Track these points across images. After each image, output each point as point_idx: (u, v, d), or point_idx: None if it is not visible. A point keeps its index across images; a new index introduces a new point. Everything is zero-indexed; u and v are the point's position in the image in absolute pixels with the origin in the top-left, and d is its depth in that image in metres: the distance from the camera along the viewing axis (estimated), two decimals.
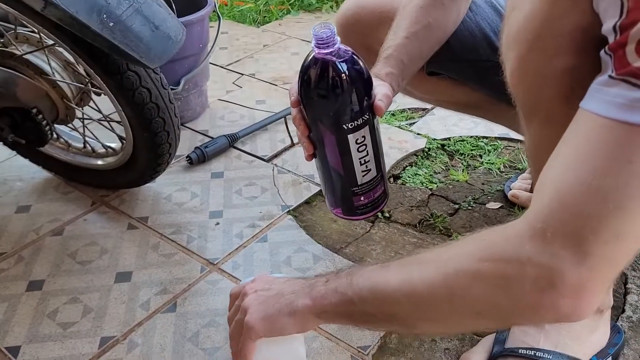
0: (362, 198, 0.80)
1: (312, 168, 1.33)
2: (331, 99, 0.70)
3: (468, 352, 0.85)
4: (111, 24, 0.88)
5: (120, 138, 1.17)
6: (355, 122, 0.72)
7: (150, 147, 1.11)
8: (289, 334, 0.67)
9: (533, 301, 0.50)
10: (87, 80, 1.10)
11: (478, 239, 0.56)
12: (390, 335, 0.91)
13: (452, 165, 1.35)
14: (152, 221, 1.18)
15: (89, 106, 1.17)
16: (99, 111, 1.17)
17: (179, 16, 1.07)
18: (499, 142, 1.41)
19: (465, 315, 0.56)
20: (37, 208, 1.23)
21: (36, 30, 1.04)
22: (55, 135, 1.23)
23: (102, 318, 0.96)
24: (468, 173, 1.31)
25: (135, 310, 0.97)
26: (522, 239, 0.51)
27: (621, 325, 0.91)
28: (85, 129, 1.21)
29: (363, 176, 0.78)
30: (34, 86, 1.06)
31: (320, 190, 1.25)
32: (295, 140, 1.43)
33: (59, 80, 1.08)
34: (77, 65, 1.10)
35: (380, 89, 0.75)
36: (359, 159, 0.76)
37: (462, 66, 0.99)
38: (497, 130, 1.44)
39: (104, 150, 1.25)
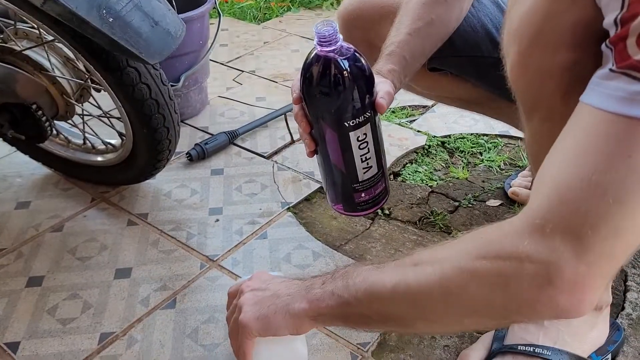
0: (362, 194, 0.80)
1: (312, 165, 1.33)
2: (333, 96, 0.70)
3: (467, 349, 0.85)
4: (111, 20, 0.88)
5: (120, 134, 1.17)
6: (357, 119, 0.72)
7: (150, 143, 1.11)
8: (283, 334, 0.67)
9: (531, 298, 0.50)
10: (86, 77, 1.10)
11: (475, 237, 0.55)
12: (390, 332, 0.91)
13: (452, 163, 1.34)
14: (152, 218, 1.18)
15: (89, 102, 1.17)
16: (99, 107, 1.17)
17: (179, 12, 1.07)
18: (499, 139, 1.41)
19: (462, 313, 0.56)
20: (37, 204, 1.23)
21: (36, 26, 1.03)
22: (55, 132, 1.23)
23: (102, 314, 0.96)
24: (468, 170, 1.31)
25: (134, 307, 0.97)
26: (520, 235, 0.50)
27: (621, 322, 0.91)
28: (85, 125, 1.21)
29: (364, 173, 0.78)
30: (34, 82, 1.05)
31: (321, 187, 1.25)
32: (296, 137, 1.43)
33: (58, 76, 1.07)
34: (76, 61, 1.10)
35: (382, 86, 0.75)
36: (360, 156, 0.76)
37: (464, 62, 0.99)
38: (498, 127, 1.43)
39: (103, 146, 1.25)
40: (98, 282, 1.02)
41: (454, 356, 0.87)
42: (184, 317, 0.95)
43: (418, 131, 1.46)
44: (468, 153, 1.37)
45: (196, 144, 1.37)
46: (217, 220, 1.17)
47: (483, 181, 1.27)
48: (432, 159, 1.36)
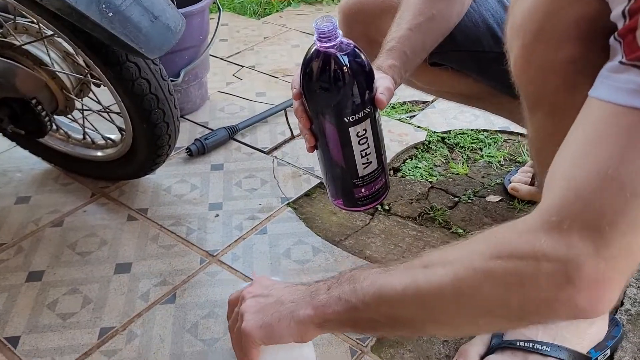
0: (363, 190, 0.80)
1: (312, 160, 1.33)
2: (333, 92, 0.70)
3: (466, 344, 0.86)
4: (110, 14, 0.88)
5: (120, 129, 1.17)
6: (357, 115, 0.72)
7: (149, 138, 1.10)
8: (288, 342, 0.65)
9: (548, 297, 0.48)
10: (86, 71, 1.10)
11: (487, 237, 0.54)
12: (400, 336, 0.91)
13: (452, 158, 1.34)
14: (152, 213, 1.18)
15: (89, 97, 1.17)
16: (99, 102, 1.17)
17: (178, 7, 1.07)
18: (500, 135, 1.41)
19: (475, 315, 0.54)
20: (37, 199, 1.23)
21: (35, 21, 1.03)
22: (54, 127, 1.23)
23: (102, 309, 0.96)
24: (468, 166, 1.31)
25: (134, 301, 0.97)
26: (535, 234, 0.49)
27: (620, 318, 0.91)
28: (85, 120, 1.21)
29: (364, 168, 0.78)
30: (33, 77, 1.05)
31: (320, 183, 1.25)
32: (295, 132, 1.43)
33: (58, 71, 1.07)
34: (76, 56, 1.10)
35: (382, 82, 0.75)
36: (360, 151, 0.76)
37: (465, 57, 0.99)
38: (498, 123, 1.43)
39: (103, 141, 1.25)
40: (98, 277, 1.03)
41: (453, 351, 0.87)
42: (183, 312, 0.95)
43: (418, 127, 1.46)
44: (468, 149, 1.37)
45: (196, 139, 1.37)
46: (217, 215, 1.17)
47: (483, 177, 1.27)
48: (432, 154, 1.36)
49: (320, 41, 0.68)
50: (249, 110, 1.57)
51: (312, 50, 0.70)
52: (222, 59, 1.89)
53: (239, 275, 1.02)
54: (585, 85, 0.51)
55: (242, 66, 1.84)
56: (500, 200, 1.19)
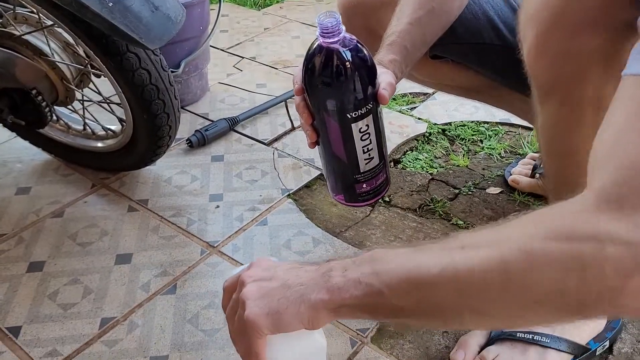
0: (364, 185, 0.80)
1: (312, 152, 1.33)
2: (336, 88, 0.70)
3: (466, 335, 0.86)
4: (110, 4, 0.87)
5: (120, 120, 1.17)
6: (359, 110, 0.72)
7: (150, 129, 1.10)
8: (297, 330, 0.58)
9: (615, 286, 0.42)
10: (86, 62, 1.10)
11: (535, 218, 0.48)
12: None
13: (453, 150, 1.34)
14: (152, 204, 1.18)
15: (89, 88, 1.17)
16: (99, 93, 1.16)
17: None
18: (500, 127, 1.41)
19: (523, 304, 0.47)
20: (37, 190, 1.23)
21: (35, 11, 1.03)
22: (54, 117, 1.23)
23: (103, 299, 0.96)
24: (469, 158, 1.31)
25: (135, 292, 0.98)
26: (595, 213, 0.43)
27: None
28: (85, 111, 1.21)
29: (366, 164, 0.78)
30: (33, 67, 1.05)
31: (321, 174, 1.25)
32: (296, 124, 1.43)
33: (58, 62, 1.07)
34: (76, 47, 1.09)
35: (384, 77, 0.75)
36: (362, 147, 0.76)
37: (466, 49, 0.99)
38: (498, 115, 1.43)
39: (104, 132, 1.25)
40: (99, 268, 1.03)
41: (453, 342, 0.88)
42: (184, 302, 0.96)
43: (419, 118, 1.46)
44: (469, 141, 1.37)
45: (196, 131, 1.36)
46: (218, 206, 1.17)
47: (483, 169, 1.27)
48: (433, 146, 1.36)
49: (323, 37, 0.68)
50: (249, 101, 1.56)
51: (315, 45, 0.70)
52: (223, 50, 1.88)
53: (240, 266, 1.02)
54: (599, 74, 0.50)
55: (243, 57, 1.83)
56: (500, 192, 1.19)
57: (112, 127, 1.24)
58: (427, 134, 1.39)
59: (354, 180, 0.80)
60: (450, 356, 0.84)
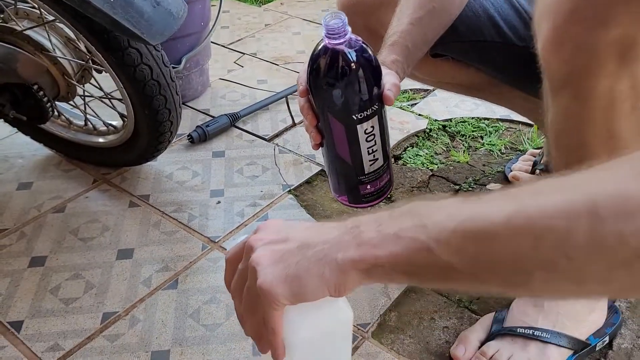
0: (368, 186, 0.80)
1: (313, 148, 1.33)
2: (342, 89, 0.70)
3: (467, 330, 0.86)
4: None
5: (122, 116, 1.17)
6: (365, 112, 0.72)
7: (151, 125, 1.10)
8: (319, 297, 0.47)
9: None
10: (88, 57, 1.10)
11: (628, 159, 0.39)
12: (390, 312, 0.92)
13: (453, 146, 1.34)
14: (154, 199, 1.19)
15: (90, 83, 1.17)
16: (100, 88, 1.16)
17: None
18: (501, 123, 1.41)
19: (618, 261, 0.36)
20: (39, 185, 1.23)
21: (36, 6, 1.03)
22: (56, 113, 1.23)
23: (104, 294, 0.97)
24: (469, 154, 1.31)
25: (137, 287, 0.98)
26: None
27: (619, 305, 0.92)
28: (87, 106, 1.21)
29: (370, 165, 0.78)
30: (35, 62, 1.05)
31: (322, 170, 1.26)
32: (297, 120, 1.43)
33: (59, 57, 1.07)
34: (78, 42, 1.09)
35: (388, 78, 0.75)
36: (367, 148, 0.76)
37: (467, 47, 0.99)
38: (499, 111, 1.43)
39: (105, 128, 1.25)
40: (100, 263, 1.03)
41: (453, 337, 0.88)
42: (185, 297, 0.96)
43: (419, 115, 1.46)
44: (469, 137, 1.37)
45: (197, 126, 1.37)
46: (219, 202, 1.18)
47: (484, 165, 1.27)
48: (433, 142, 1.36)
49: (329, 38, 0.67)
50: (250, 97, 1.56)
51: (320, 46, 0.69)
52: (224, 46, 1.88)
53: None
54: (614, 69, 0.49)
55: (244, 53, 1.83)
56: (501, 189, 1.19)
57: (114, 123, 1.24)
58: (428, 130, 1.39)
59: (358, 182, 0.80)
60: (451, 351, 0.85)
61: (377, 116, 0.74)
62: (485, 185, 1.20)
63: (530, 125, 1.38)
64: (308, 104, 0.74)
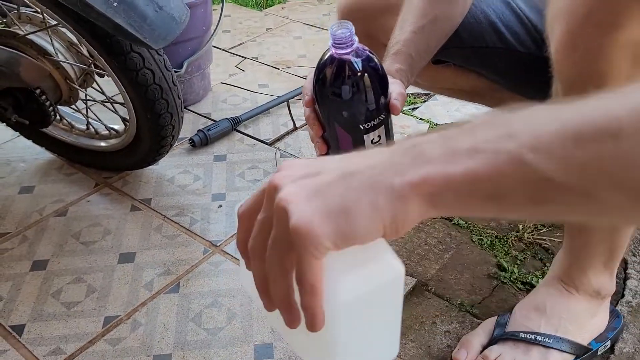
0: None
1: (313, 151, 1.33)
2: (349, 99, 0.70)
3: (469, 334, 0.86)
4: (115, 4, 0.88)
5: (124, 120, 1.17)
6: (372, 122, 0.72)
7: (153, 129, 1.11)
8: (372, 239, 0.37)
9: None
10: (90, 61, 1.10)
11: None
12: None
13: None
14: (155, 203, 1.19)
15: (92, 88, 1.17)
16: (102, 93, 1.17)
17: None
18: None
19: None
20: (41, 189, 1.24)
21: (39, 10, 1.03)
22: (58, 117, 1.23)
23: (106, 298, 0.97)
24: None
25: (138, 291, 0.98)
26: None
27: (620, 309, 0.92)
28: (89, 110, 1.21)
29: None
30: (37, 66, 1.05)
31: None
32: (298, 124, 1.43)
33: (62, 61, 1.07)
34: (80, 46, 1.10)
35: (394, 87, 0.75)
36: None
37: (468, 53, 0.99)
38: None
39: (107, 132, 1.25)
40: (102, 267, 1.03)
41: (455, 341, 0.88)
42: (187, 301, 0.96)
43: (420, 119, 1.46)
44: None
45: (199, 130, 1.37)
46: (220, 206, 1.18)
47: None
48: None
49: (336, 47, 0.67)
50: (251, 101, 1.57)
51: (327, 56, 0.69)
52: (225, 50, 1.89)
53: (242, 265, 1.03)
54: (627, 72, 0.49)
55: (245, 57, 1.84)
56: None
57: (116, 127, 1.24)
58: None
59: None
60: (453, 355, 0.85)
61: (383, 125, 0.74)
62: None
63: None
64: (314, 113, 0.74)
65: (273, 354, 0.87)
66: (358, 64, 0.68)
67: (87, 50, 1.06)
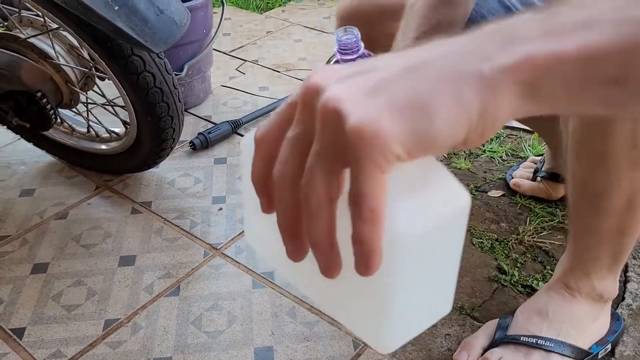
0: None
1: None
2: None
3: (470, 337, 0.86)
4: (116, 8, 0.88)
5: (124, 123, 1.17)
6: None
7: (154, 132, 1.11)
8: (451, 144, 0.28)
9: None
10: (91, 65, 1.10)
11: None
12: None
13: (454, 153, 1.35)
14: (156, 206, 1.19)
15: (93, 91, 1.17)
16: (103, 96, 1.17)
17: (183, 1, 1.07)
18: (502, 130, 1.41)
19: None
20: (41, 192, 1.24)
21: (40, 14, 1.03)
22: (59, 120, 1.23)
23: (106, 301, 0.97)
24: (470, 161, 1.31)
25: (139, 294, 0.98)
26: None
27: (621, 312, 0.92)
28: (89, 113, 1.21)
29: None
30: (38, 70, 1.06)
31: None
32: None
33: (63, 64, 1.07)
34: (81, 49, 1.10)
35: None
36: None
37: None
38: None
39: (107, 135, 1.25)
40: (102, 270, 1.03)
41: (455, 345, 0.88)
42: (187, 304, 0.96)
43: None
44: None
45: (199, 133, 1.37)
46: (221, 208, 1.18)
47: (485, 172, 1.28)
48: None
49: (342, 53, 0.67)
50: (252, 104, 1.57)
51: (333, 62, 0.69)
52: (225, 53, 1.89)
53: (243, 268, 1.03)
54: None
55: (245, 60, 1.84)
56: (502, 195, 1.20)
57: (116, 130, 1.24)
58: None
59: None
60: (454, 357, 0.84)
61: None
62: (487, 192, 1.21)
63: (531, 132, 1.38)
64: None
65: (273, 357, 0.87)
66: None
67: (88, 54, 1.06)
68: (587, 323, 0.82)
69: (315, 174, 0.28)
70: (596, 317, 0.82)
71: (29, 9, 1.06)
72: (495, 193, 1.20)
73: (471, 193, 1.20)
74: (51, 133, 1.26)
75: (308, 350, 0.88)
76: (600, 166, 0.68)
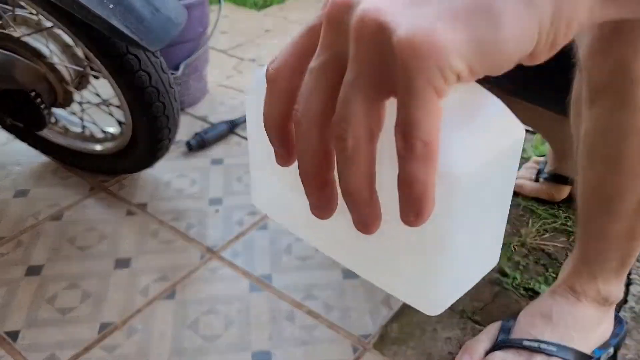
0: None
1: None
2: None
3: (472, 340, 0.85)
4: (111, 6, 0.86)
5: (120, 123, 1.16)
6: None
7: (149, 131, 1.09)
8: (519, 56, 0.24)
9: None
10: (85, 64, 1.09)
11: None
12: (391, 323, 0.90)
13: None
14: (152, 207, 1.17)
15: (88, 90, 1.16)
16: (98, 95, 1.15)
17: None
18: None
19: None
20: (36, 192, 1.22)
21: (35, 12, 1.02)
22: (53, 119, 1.22)
23: (101, 304, 0.95)
24: None
25: (134, 297, 0.97)
26: None
27: (624, 315, 0.90)
28: (84, 113, 1.20)
29: None
30: (32, 68, 1.04)
31: None
32: None
33: (57, 63, 1.06)
34: (75, 48, 1.08)
35: None
36: None
37: None
38: None
39: (102, 134, 1.23)
40: (97, 272, 1.02)
41: (456, 348, 0.87)
42: (184, 307, 0.95)
43: None
44: None
45: (196, 133, 1.35)
46: (217, 210, 1.16)
47: None
48: None
49: None
50: None
51: None
52: (222, 52, 1.87)
53: (240, 271, 1.01)
54: None
55: (243, 59, 1.82)
56: None
57: (111, 130, 1.23)
58: None
59: None
60: None
61: None
62: None
63: (534, 133, 1.37)
64: None
65: None
66: None
67: (83, 52, 1.04)
68: (591, 327, 0.81)
69: (351, 107, 0.23)
70: (600, 320, 0.81)
71: (23, 7, 1.04)
72: None
73: None
74: (45, 133, 1.24)
75: (306, 355, 0.86)
76: (614, 169, 0.67)
